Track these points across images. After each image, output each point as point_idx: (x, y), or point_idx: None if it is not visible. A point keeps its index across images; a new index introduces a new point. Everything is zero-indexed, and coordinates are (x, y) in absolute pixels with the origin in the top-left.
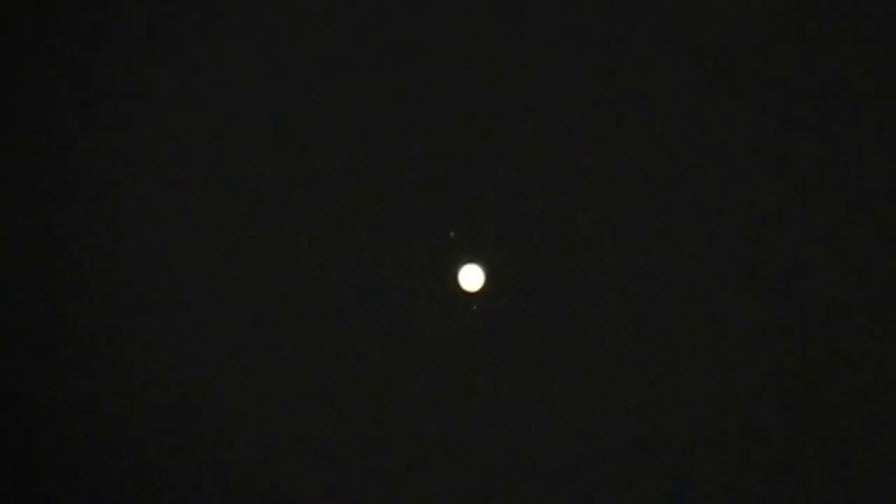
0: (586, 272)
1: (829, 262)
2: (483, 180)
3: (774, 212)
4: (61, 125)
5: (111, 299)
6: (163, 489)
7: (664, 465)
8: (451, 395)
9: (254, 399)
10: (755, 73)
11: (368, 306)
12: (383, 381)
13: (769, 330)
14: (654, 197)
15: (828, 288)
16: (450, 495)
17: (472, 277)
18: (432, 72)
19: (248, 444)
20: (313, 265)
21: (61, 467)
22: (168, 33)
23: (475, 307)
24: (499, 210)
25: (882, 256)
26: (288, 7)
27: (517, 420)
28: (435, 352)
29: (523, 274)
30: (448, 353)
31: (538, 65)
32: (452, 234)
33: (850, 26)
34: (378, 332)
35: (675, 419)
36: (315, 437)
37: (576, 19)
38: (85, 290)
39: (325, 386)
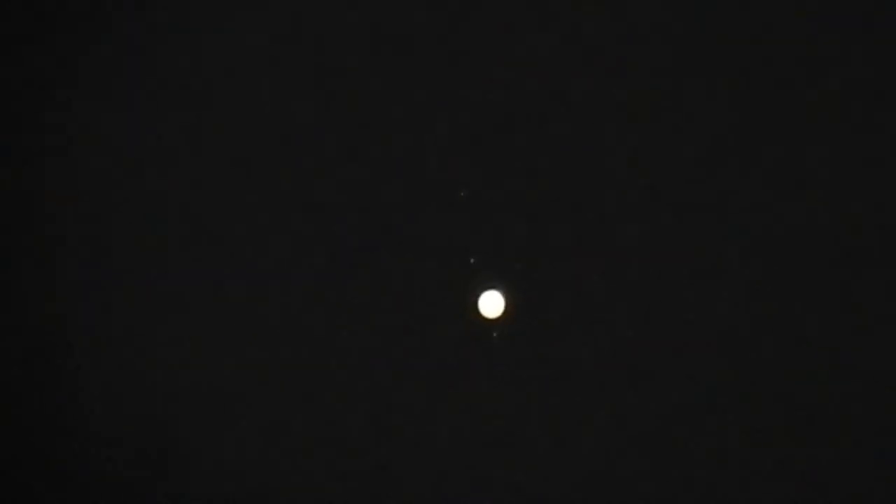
0: (607, 299)
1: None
2: (504, 207)
3: (801, 228)
4: (61, 126)
5: (113, 302)
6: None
7: (686, 488)
8: (472, 421)
9: (269, 421)
10: (766, 80)
11: (388, 332)
12: (403, 407)
13: (796, 368)
14: (676, 226)
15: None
16: None
17: (492, 304)
18: (454, 98)
19: (263, 474)
20: (332, 291)
21: (61, 467)
22: (175, 36)
23: (495, 334)
24: (519, 237)
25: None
26: (308, 26)
27: (538, 447)
28: (455, 378)
29: (543, 301)
30: (468, 379)
31: (559, 94)
32: (473, 260)
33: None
34: (398, 358)
35: (696, 443)
36: (330, 463)
37: (606, 52)
38: (85, 291)
39: (342, 411)
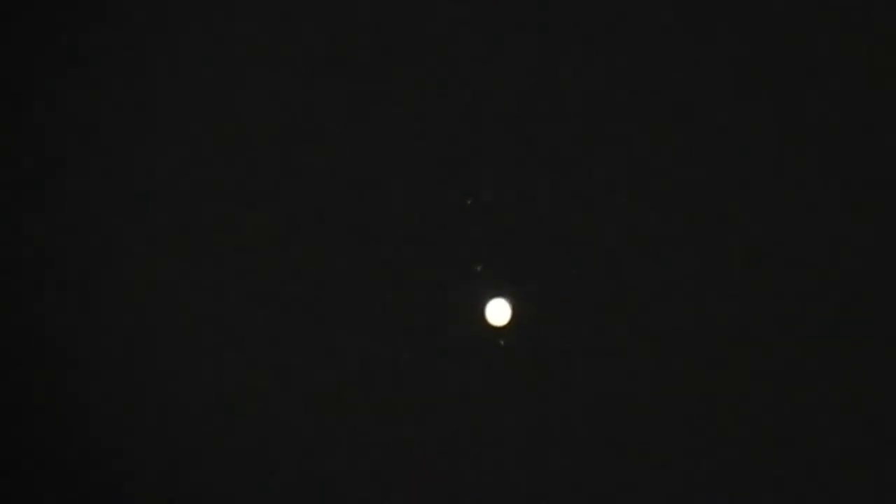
0: (615, 308)
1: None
2: (510, 214)
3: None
4: (62, 127)
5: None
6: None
7: (693, 497)
8: (477, 430)
9: (275, 428)
10: (762, 77)
11: (395, 341)
12: (409, 416)
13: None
14: (685, 235)
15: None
16: None
17: (498, 312)
18: (461, 107)
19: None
20: (339, 301)
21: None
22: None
23: (502, 342)
24: (526, 244)
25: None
26: (313, 30)
27: (545, 457)
28: (461, 387)
29: (550, 309)
30: (474, 388)
31: (568, 102)
32: (479, 268)
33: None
34: (404, 367)
35: (704, 451)
36: (336, 470)
37: (614, 59)
38: (85, 291)
39: (349, 421)
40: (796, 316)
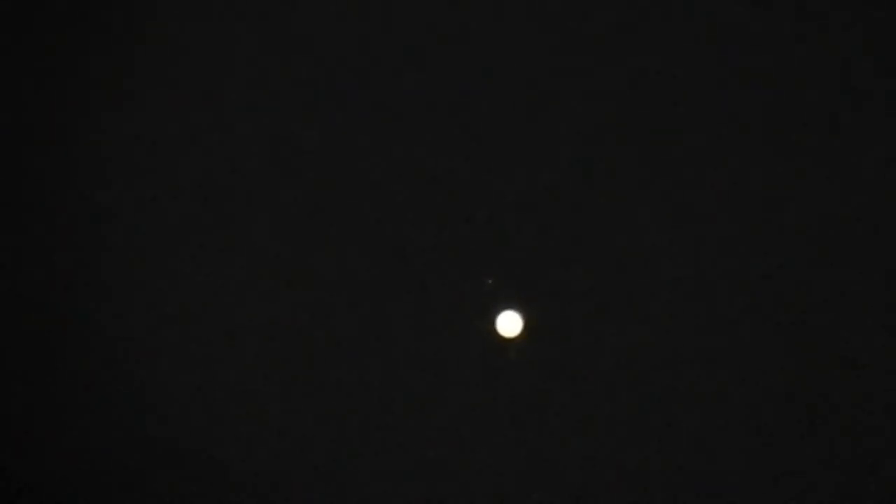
0: (625, 319)
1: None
2: (522, 226)
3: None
4: (64, 130)
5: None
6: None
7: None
8: (487, 442)
9: (286, 441)
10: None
11: (405, 353)
12: (419, 427)
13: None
14: (696, 242)
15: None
16: None
17: (509, 324)
18: (471, 118)
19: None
20: (347, 312)
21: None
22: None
23: (512, 354)
24: (537, 256)
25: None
26: (322, 39)
27: (556, 468)
28: (472, 398)
29: (561, 321)
30: (485, 400)
31: (579, 113)
32: (490, 280)
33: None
34: (414, 379)
35: (717, 470)
36: (345, 482)
37: (621, 68)
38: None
39: (357, 432)
40: (810, 326)
